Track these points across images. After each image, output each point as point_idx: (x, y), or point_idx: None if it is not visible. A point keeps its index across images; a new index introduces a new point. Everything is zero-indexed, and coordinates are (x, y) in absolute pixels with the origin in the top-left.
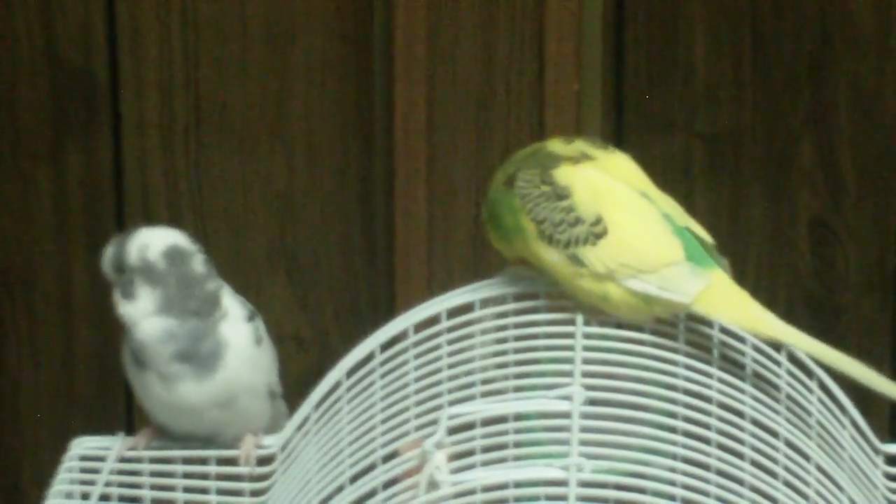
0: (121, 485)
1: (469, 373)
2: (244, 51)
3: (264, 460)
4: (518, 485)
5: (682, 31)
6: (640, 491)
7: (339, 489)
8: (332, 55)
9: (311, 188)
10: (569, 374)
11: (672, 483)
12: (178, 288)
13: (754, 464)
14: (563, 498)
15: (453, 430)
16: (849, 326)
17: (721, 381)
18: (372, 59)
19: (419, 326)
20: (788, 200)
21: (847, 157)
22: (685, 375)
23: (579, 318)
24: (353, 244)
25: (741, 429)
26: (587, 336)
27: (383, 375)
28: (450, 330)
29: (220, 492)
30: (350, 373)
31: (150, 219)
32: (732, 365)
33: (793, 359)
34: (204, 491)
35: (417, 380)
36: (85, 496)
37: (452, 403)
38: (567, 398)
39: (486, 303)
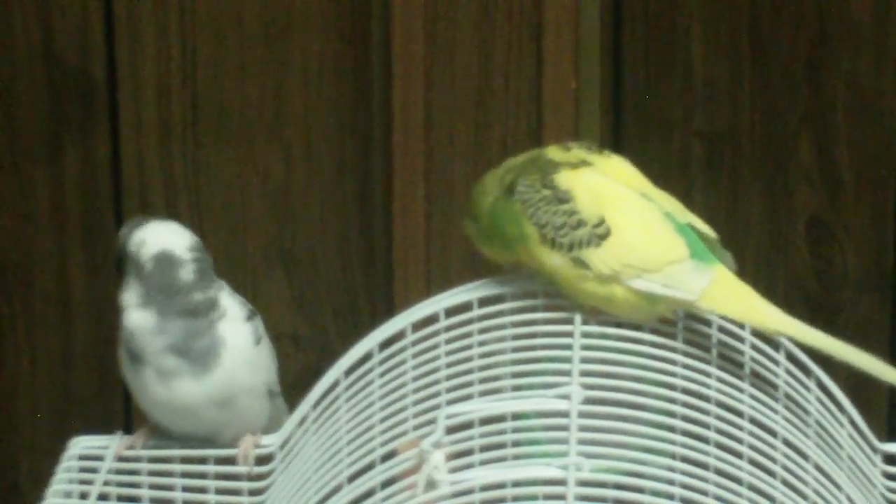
0: (119, 484)
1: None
2: (242, 49)
3: (263, 459)
4: (516, 484)
5: (680, 30)
6: (639, 490)
7: (338, 488)
8: (330, 54)
9: (308, 187)
10: (567, 373)
11: (671, 482)
12: (160, 291)
13: (753, 463)
14: (562, 497)
15: (452, 430)
16: (847, 325)
17: (719, 380)
18: (370, 57)
19: (417, 325)
20: (786, 199)
21: (845, 156)
22: (684, 374)
23: (577, 318)
24: (351, 243)
25: (740, 428)
26: (585, 335)
27: (381, 375)
28: (448, 329)
29: (219, 491)
30: (348, 372)
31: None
32: (731, 364)
33: (791, 358)
34: (202, 490)
35: (415, 379)
36: (83, 495)
37: (451, 403)
38: (565, 397)
39: (484, 302)
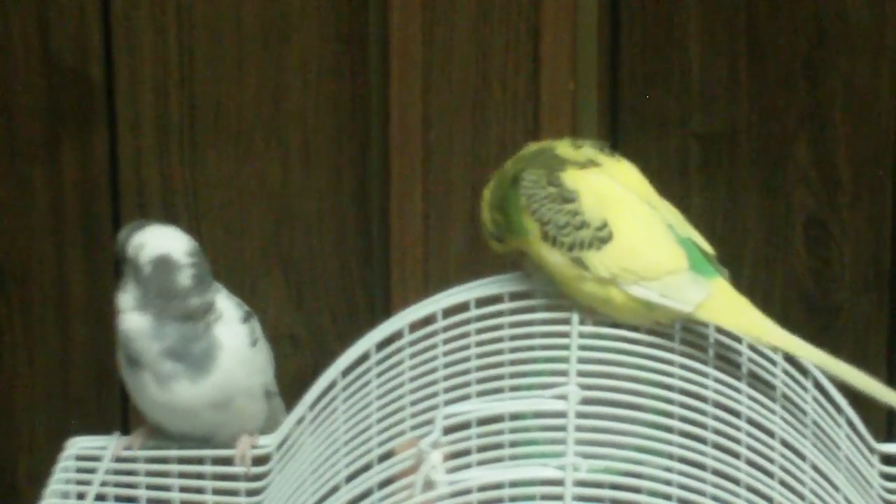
0: (117, 485)
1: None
2: (239, 50)
3: (260, 460)
4: (514, 484)
5: (677, 30)
6: (637, 490)
7: (335, 489)
8: (328, 54)
9: (306, 187)
10: (564, 373)
11: (668, 483)
12: (157, 295)
13: (750, 463)
14: (560, 497)
15: (449, 430)
16: (845, 325)
17: (717, 380)
18: (367, 58)
19: (415, 326)
20: (784, 199)
21: (842, 157)
22: (681, 375)
23: (575, 318)
24: (348, 243)
25: (737, 429)
26: (583, 335)
27: (379, 375)
28: (445, 329)
29: (216, 491)
30: (346, 372)
31: (146, 218)
32: (728, 364)
33: (789, 358)
34: (200, 491)
35: (413, 379)
36: (81, 496)
37: (448, 403)
38: (563, 398)
39: (482, 302)
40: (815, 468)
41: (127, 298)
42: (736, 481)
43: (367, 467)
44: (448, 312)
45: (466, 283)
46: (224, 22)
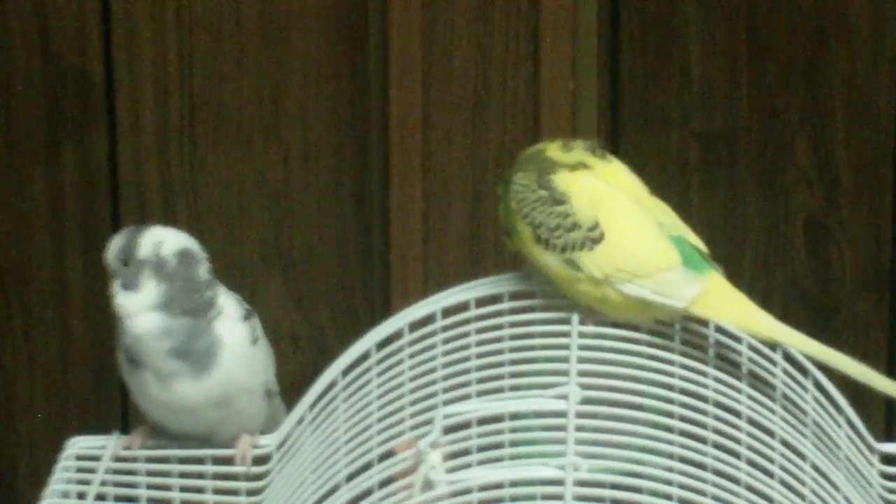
0: (117, 484)
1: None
2: (239, 49)
3: (260, 459)
4: (514, 484)
5: (677, 30)
6: (637, 490)
7: (335, 488)
8: (327, 54)
9: (306, 187)
10: (565, 373)
11: (668, 482)
12: (182, 289)
13: (750, 463)
14: (560, 497)
15: (449, 430)
16: (844, 325)
17: (717, 380)
18: (367, 57)
19: (415, 325)
20: (784, 199)
21: (842, 156)
22: (681, 375)
23: (575, 318)
24: (348, 243)
25: (737, 428)
26: (583, 335)
27: (379, 374)
28: (445, 329)
29: (217, 491)
30: (346, 372)
31: (146, 218)
32: (728, 364)
33: (788, 358)
34: (200, 490)
35: (413, 379)
36: (81, 496)
37: (448, 403)
38: (563, 397)
39: (481, 302)
40: (816, 468)
41: (139, 300)
42: (736, 481)
43: (367, 467)
44: (448, 312)
45: (466, 282)
46: (224, 22)
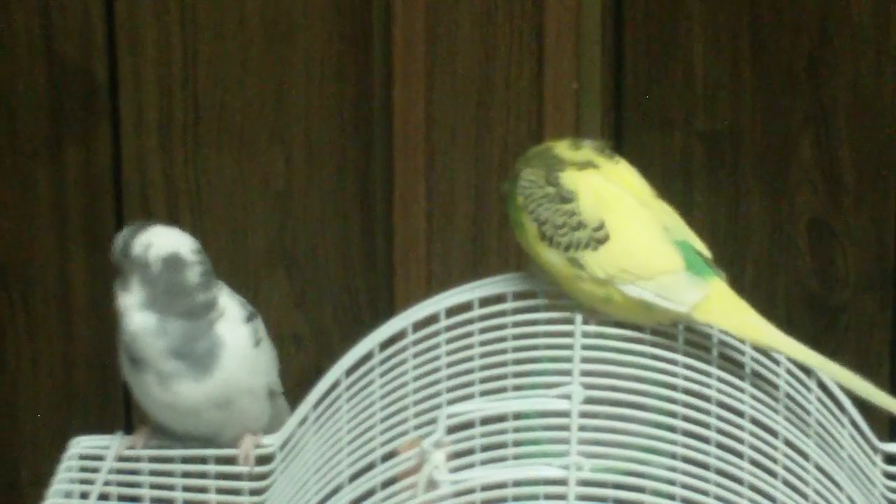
0: (120, 484)
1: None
2: (243, 49)
3: (263, 459)
4: (517, 484)
5: (681, 30)
6: (640, 490)
7: (338, 488)
8: (331, 54)
9: (309, 186)
10: (568, 372)
11: (671, 482)
12: (166, 293)
13: (754, 463)
14: (563, 497)
15: (452, 430)
16: (848, 325)
17: (720, 380)
18: (371, 57)
19: (418, 325)
20: (787, 199)
21: (846, 156)
22: (684, 375)
23: (578, 318)
24: (351, 243)
25: (741, 428)
26: (586, 335)
27: (382, 374)
28: (449, 329)
29: (220, 491)
30: (349, 372)
31: (149, 218)
32: (732, 364)
33: (792, 358)
34: (203, 490)
35: (416, 379)
36: (84, 495)
37: (451, 402)
38: (566, 397)
39: (485, 302)
40: (819, 468)
41: (131, 298)
42: (739, 481)
43: (370, 467)
44: (451, 312)
45: (469, 282)
46: (227, 21)
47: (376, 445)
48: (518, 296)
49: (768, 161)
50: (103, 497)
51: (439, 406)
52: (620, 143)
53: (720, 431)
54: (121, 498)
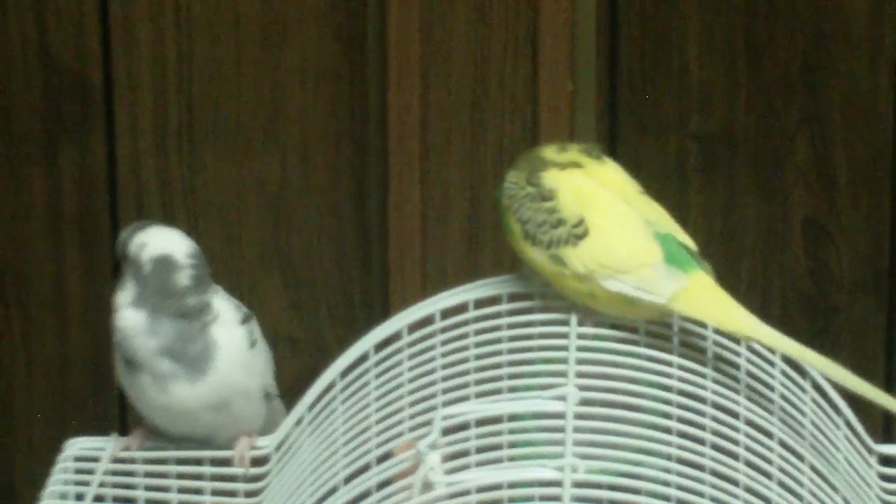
0: (115, 485)
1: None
2: (237, 51)
3: (259, 461)
4: (512, 485)
5: (675, 32)
6: (635, 491)
7: (334, 490)
8: (326, 56)
9: (304, 188)
10: (563, 374)
11: (666, 483)
12: (156, 293)
13: (748, 464)
14: (558, 498)
15: (448, 431)
16: (842, 326)
17: (715, 381)
18: (365, 59)
19: (413, 327)
20: (782, 200)
21: (841, 158)
22: (679, 376)
23: (573, 319)
24: (346, 244)
25: (735, 429)
26: (581, 336)
27: (377, 376)
28: (444, 330)
29: (215, 492)
30: (344, 373)
31: (145, 220)
32: (727, 365)
33: (787, 359)
34: (198, 491)
35: (412, 380)
36: (79, 497)
37: (447, 404)
38: (561, 398)
39: (480, 303)
40: (814, 469)
41: (124, 296)
42: (734, 482)
43: (365, 468)
44: (446, 313)
45: (464, 284)
46: (222, 23)
47: (372, 447)
48: (513, 297)
49: (763, 162)
50: (98, 499)
51: (435, 407)
52: (615, 144)
53: (715, 433)
54: (116, 499)
